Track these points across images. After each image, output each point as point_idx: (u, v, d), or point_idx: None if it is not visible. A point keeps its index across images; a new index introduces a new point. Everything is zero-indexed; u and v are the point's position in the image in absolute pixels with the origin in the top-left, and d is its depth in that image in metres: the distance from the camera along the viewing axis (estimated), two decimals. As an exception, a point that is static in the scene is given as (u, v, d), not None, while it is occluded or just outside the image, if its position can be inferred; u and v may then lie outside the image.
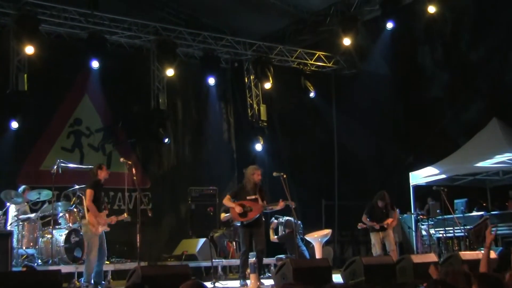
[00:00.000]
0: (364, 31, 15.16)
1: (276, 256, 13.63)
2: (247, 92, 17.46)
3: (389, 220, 12.10)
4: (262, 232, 10.66)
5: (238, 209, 10.36)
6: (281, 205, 10.53)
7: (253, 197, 10.46)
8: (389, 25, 14.20)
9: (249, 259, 10.56)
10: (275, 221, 14.20)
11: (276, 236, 13.97)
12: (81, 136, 15.40)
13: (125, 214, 10.30)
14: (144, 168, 15.94)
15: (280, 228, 14.11)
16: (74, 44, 14.78)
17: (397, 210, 13.22)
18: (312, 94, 16.81)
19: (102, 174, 10.02)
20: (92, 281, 9.79)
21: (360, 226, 12.41)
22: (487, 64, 14.94)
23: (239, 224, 10.67)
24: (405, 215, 14.98)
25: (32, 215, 12.07)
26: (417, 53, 16.16)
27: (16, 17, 12.98)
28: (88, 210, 9.81)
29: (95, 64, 14.12)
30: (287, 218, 13.05)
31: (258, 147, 16.60)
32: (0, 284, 6.61)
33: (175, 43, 15.09)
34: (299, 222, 13.92)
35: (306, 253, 13.32)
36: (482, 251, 10.29)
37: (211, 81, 16.17)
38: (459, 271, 4.97)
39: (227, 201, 10.68)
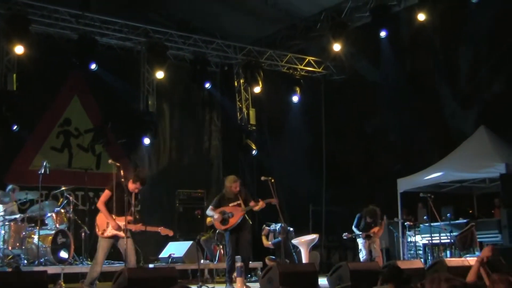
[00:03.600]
0: (354, 38, 15.22)
1: (268, 256, 13.72)
2: (236, 95, 17.48)
3: (375, 229, 12.53)
4: (247, 236, 10.70)
5: (217, 217, 10.44)
6: (261, 204, 10.65)
7: (235, 203, 10.55)
8: (383, 34, 14.26)
9: (236, 263, 10.58)
10: (267, 228, 14.31)
11: (270, 242, 14.07)
12: (70, 136, 15.36)
13: (161, 229, 9.44)
14: (135, 169, 15.89)
15: (271, 235, 14.21)
16: (64, 45, 14.76)
17: (385, 218, 13.34)
18: (295, 98, 16.92)
19: (132, 186, 9.31)
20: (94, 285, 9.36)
21: (345, 235, 12.73)
22: (476, 72, 15.06)
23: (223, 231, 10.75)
24: (392, 221, 15.04)
25: (19, 216, 12.03)
26: (406, 60, 16.24)
27: (6, 17, 12.95)
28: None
29: (85, 65, 14.10)
30: (282, 224, 13.03)
31: (253, 152, 16.61)
32: (-14, 284, 6.60)
33: (166, 46, 15.11)
34: (291, 229, 14.05)
35: (296, 260, 13.51)
36: (468, 258, 10.40)
37: (207, 85, 16.19)
38: (446, 278, 4.93)
39: (209, 211, 10.80)
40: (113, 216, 9.08)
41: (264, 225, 14.41)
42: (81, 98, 15.57)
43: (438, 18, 14.46)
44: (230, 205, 10.54)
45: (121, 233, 9.10)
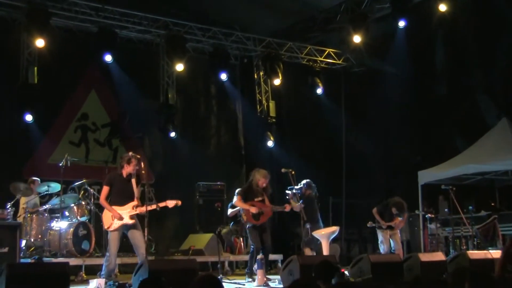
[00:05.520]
0: (374, 29, 15.10)
1: (302, 242, 12.44)
2: (256, 88, 17.44)
3: (397, 220, 12.16)
4: (268, 231, 10.87)
5: (254, 210, 10.43)
6: (287, 208, 10.92)
7: (260, 198, 10.59)
8: (401, 24, 14.15)
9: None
10: (291, 193, 13.53)
11: (297, 204, 13.04)
12: (87, 131, 15.37)
13: (167, 202, 9.46)
14: (150, 163, 15.91)
15: (294, 199, 13.48)
16: (84, 38, 14.80)
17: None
18: (319, 91, 16.84)
19: (126, 170, 9.43)
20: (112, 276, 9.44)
21: (369, 224, 12.34)
22: (499, 64, 14.87)
23: (250, 226, 10.70)
24: (413, 213, 14.92)
25: (41, 208, 12.14)
26: (427, 51, 16.09)
27: (27, 11, 13.02)
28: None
29: (104, 58, 14.13)
30: (304, 181, 12.47)
31: (269, 143, 16.56)
32: (8, 275, 6.65)
33: (185, 38, 15.11)
34: (314, 184, 13.22)
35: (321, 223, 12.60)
36: (491, 251, 10.31)
37: (223, 76, 16.07)
38: (471, 272, 4.85)
39: (241, 203, 10.78)
40: (117, 207, 9.28)
41: (287, 191, 13.67)
42: (98, 93, 15.57)
43: (458, 10, 14.30)
44: (256, 199, 10.56)
45: (128, 221, 9.25)
